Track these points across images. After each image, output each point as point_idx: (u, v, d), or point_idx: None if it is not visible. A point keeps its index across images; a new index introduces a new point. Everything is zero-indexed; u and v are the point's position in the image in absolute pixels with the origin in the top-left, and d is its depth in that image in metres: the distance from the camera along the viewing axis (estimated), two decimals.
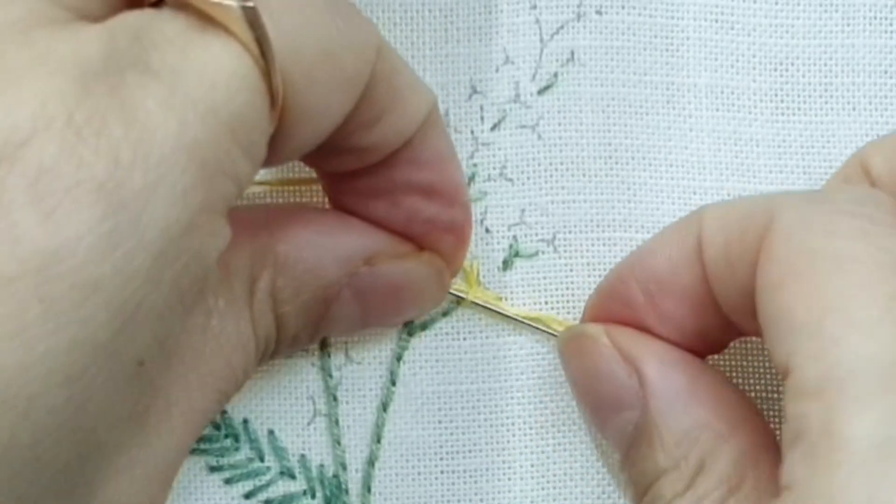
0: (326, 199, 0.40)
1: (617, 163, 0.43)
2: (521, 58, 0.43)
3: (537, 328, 0.42)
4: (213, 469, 0.42)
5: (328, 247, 0.37)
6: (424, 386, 0.43)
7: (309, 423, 0.42)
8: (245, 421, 0.42)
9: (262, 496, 0.42)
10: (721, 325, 0.37)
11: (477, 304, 0.42)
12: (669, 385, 0.37)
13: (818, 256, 0.31)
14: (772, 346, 0.32)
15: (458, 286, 0.42)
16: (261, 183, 0.41)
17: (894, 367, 0.29)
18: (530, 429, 0.43)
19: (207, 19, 0.30)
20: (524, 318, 0.42)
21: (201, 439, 0.42)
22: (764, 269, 0.33)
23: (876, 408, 0.29)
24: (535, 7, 0.43)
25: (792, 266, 0.32)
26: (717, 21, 0.44)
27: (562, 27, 0.43)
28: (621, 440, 0.38)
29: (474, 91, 0.43)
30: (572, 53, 0.43)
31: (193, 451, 0.42)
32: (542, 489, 0.43)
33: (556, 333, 0.42)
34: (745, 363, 0.42)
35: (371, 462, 0.42)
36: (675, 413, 0.36)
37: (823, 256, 0.31)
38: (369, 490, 0.42)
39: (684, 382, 0.37)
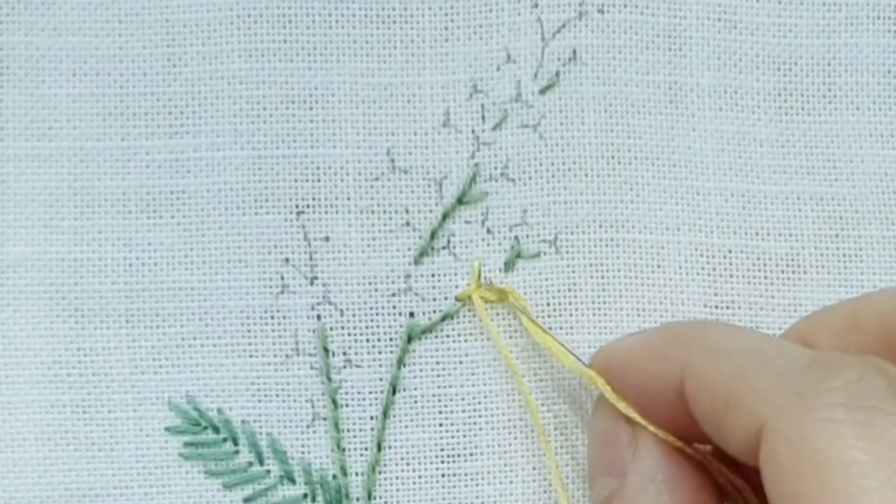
0: None
1: (619, 163, 0.43)
2: (522, 57, 0.43)
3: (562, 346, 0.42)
4: (210, 474, 0.42)
5: None
6: (425, 389, 0.42)
7: (308, 427, 0.42)
8: (243, 423, 0.42)
9: (262, 501, 0.42)
10: None
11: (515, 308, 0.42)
12: (650, 468, 0.37)
13: (830, 470, 0.30)
14: None
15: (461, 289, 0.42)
16: None
17: None
18: (532, 431, 0.42)
19: None
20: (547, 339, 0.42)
21: (198, 444, 0.42)
22: (774, 482, 0.32)
23: None
24: (536, 5, 0.43)
25: (806, 482, 0.31)
26: (720, 20, 0.43)
27: (563, 26, 0.43)
28: (597, 501, 0.38)
29: (475, 90, 0.43)
30: (574, 52, 0.43)
31: (190, 456, 0.42)
32: (545, 492, 0.42)
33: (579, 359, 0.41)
34: None
35: (373, 467, 0.42)
36: (642, 496, 0.36)
37: (836, 469, 0.30)
38: (370, 494, 0.42)
39: (667, 469, 0.37)
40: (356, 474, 0.42)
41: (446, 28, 0.43)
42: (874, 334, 0.36)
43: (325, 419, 0.42)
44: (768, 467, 0.32)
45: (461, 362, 0.42)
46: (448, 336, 0.42)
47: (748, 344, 0.36)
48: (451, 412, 0.42)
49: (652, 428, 0.37)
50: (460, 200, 0.43)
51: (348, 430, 0.42)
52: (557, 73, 0.43)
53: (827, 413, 0.31)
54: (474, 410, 0.42)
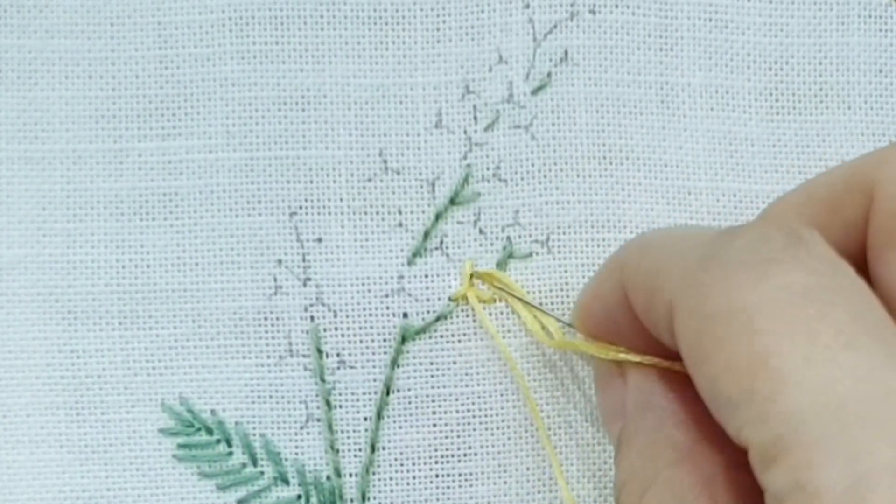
0: None
1: (611, 163, 0.43)
2: (514, 57, 0.43)
3: (545, 312, 0.42)
4: (204, 475, 0.42)
5: None
6: (419, 390, 0.42)
7: (302, 428, 0.42)
8: (237, 424, 0.42)
9: (256, 502, 0.42)
10: None
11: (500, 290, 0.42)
12: (643, 397, 0.37)
13: (724, 321, 0.30)
14: (724, 426, 0.31)
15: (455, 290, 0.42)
16: None
17: (837, 406, 0.28)
18: (525, 431, 0.42)
19: None
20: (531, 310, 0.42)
21: (192, 445, 0.42)
22: (683, 351, 0.32)
23: (835, 451, 0.28)
24: (528, 6, 0.43)
25: (704, 340, 0.31)
26: (710, 20, 0.43)
27: (555, 26, 0.43)
28: (614, 447, 0.38)
29: (467, 91, 0.43)
30: (566, 53, 0.43)
31: (183, 458, 0.42)
32: (539, 492, 0.42)
33: (563, 321, 0.42)
34: None
35: (367, 468, 0.42)
36: (642, 426, 0.36)
37: (728, 319, 0.30)
38: (364, 496, 0.42)
39: (661, 393, 0.37)
40: (350, 475, 0.42)
41: (438, 29, 0.43)
42: (822, 203, 0.36)
43: (318, 420, 0.42)
44: (679, 340, 0.32)
45: (455, 363, 0.42)
46: (442, 337, 0.42)
47: (671, 235, 0.36)
48: (445, 413, 0.42)
49: (636, 358, 0.37)
50: (453, 201, 0.43)
51: (342, 432, 0.42)
52: (549, 74, 0.43)
53: (723, 270, 0.31)
54: (468, 411, 0.42)
